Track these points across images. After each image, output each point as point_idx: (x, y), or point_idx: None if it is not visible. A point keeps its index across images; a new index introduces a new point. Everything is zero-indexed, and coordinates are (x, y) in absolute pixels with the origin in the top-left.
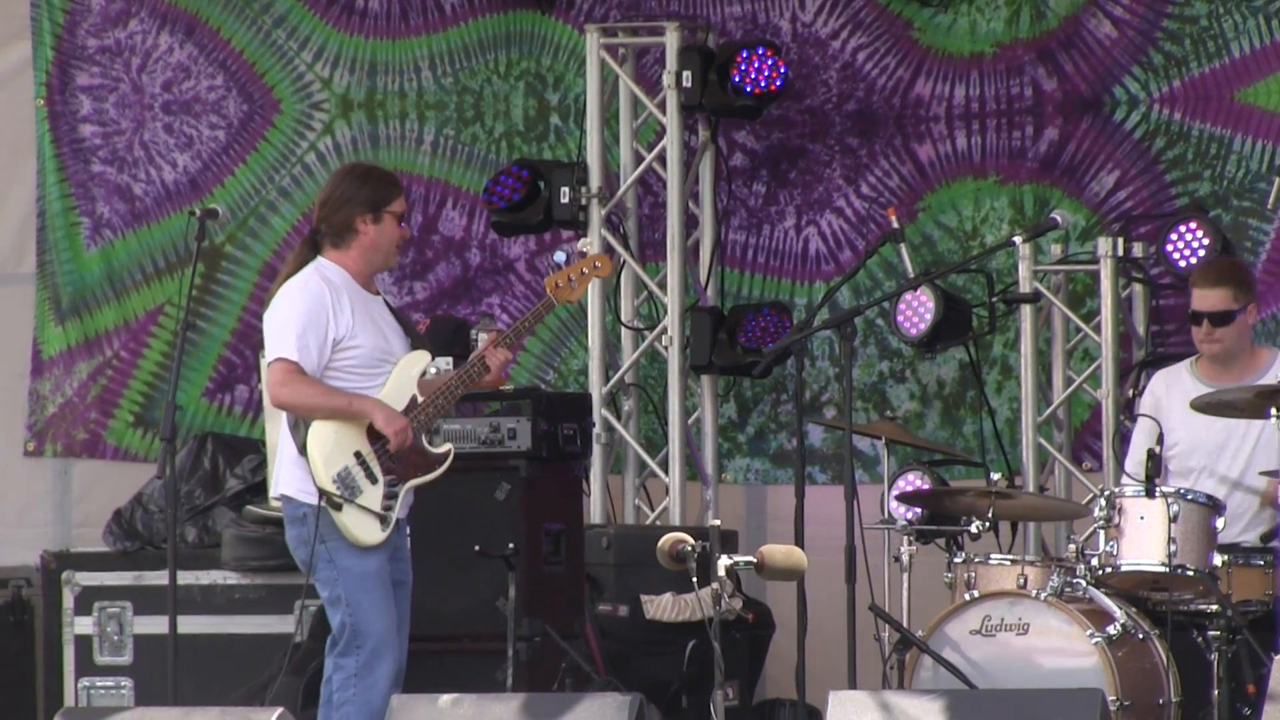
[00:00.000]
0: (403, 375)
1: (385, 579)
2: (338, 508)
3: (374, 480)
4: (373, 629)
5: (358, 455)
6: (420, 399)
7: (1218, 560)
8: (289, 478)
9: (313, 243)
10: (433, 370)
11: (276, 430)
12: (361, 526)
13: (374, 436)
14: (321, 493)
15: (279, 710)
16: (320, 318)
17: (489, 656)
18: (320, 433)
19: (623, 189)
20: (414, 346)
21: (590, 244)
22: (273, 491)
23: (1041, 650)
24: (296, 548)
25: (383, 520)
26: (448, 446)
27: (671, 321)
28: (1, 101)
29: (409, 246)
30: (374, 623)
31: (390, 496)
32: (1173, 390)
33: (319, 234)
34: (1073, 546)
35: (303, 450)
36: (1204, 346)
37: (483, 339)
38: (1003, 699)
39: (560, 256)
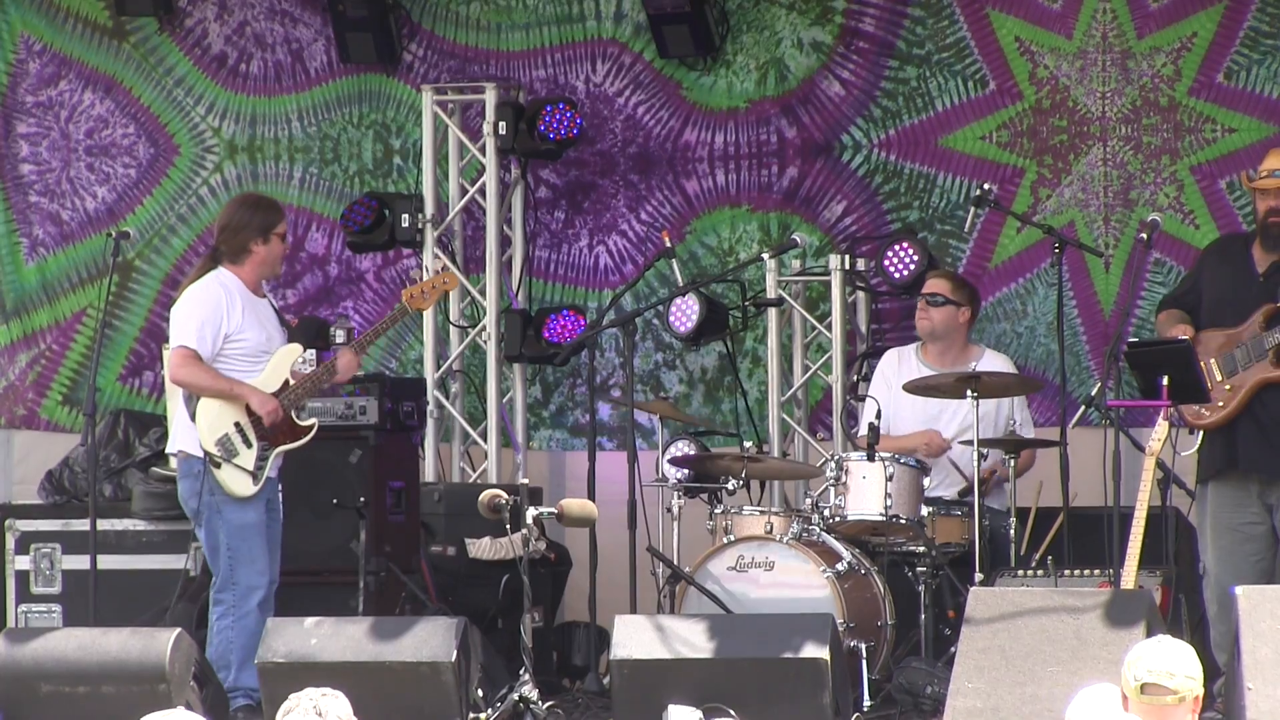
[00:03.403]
0: (279, 363)
1: (262, 530)
2: (217, 465)
3: (249, 445)
4: (247, 572)
5: (237, 425)
6: (292, 383)
7: (925, 511)
8: (184, 437)
9: (214, 257)
10: (301, 361)
11: (176, 399)
12: (236, 481)
13: (251, 410)
14: (205, 453)
15: (177, 630)
16: (215, 316)
17: (344, 588)
18: (207, 405)
19: (451, 215)
20: (290, 340)
21: (429, 269)
22: (169, 447)
23: (784, 583)
24: (188, 499)
25: (254, 477)
26: (312, 421)
27: (489, 321)
28: None
29: (288, 257)
30: (248, 567)
31: (262, 459)
32: (902, 367)
33: (219, 251)
34: (809, 500)
35: (194, 418)
36: (919, 323)
37: (340, 335)
38: (753, 622)
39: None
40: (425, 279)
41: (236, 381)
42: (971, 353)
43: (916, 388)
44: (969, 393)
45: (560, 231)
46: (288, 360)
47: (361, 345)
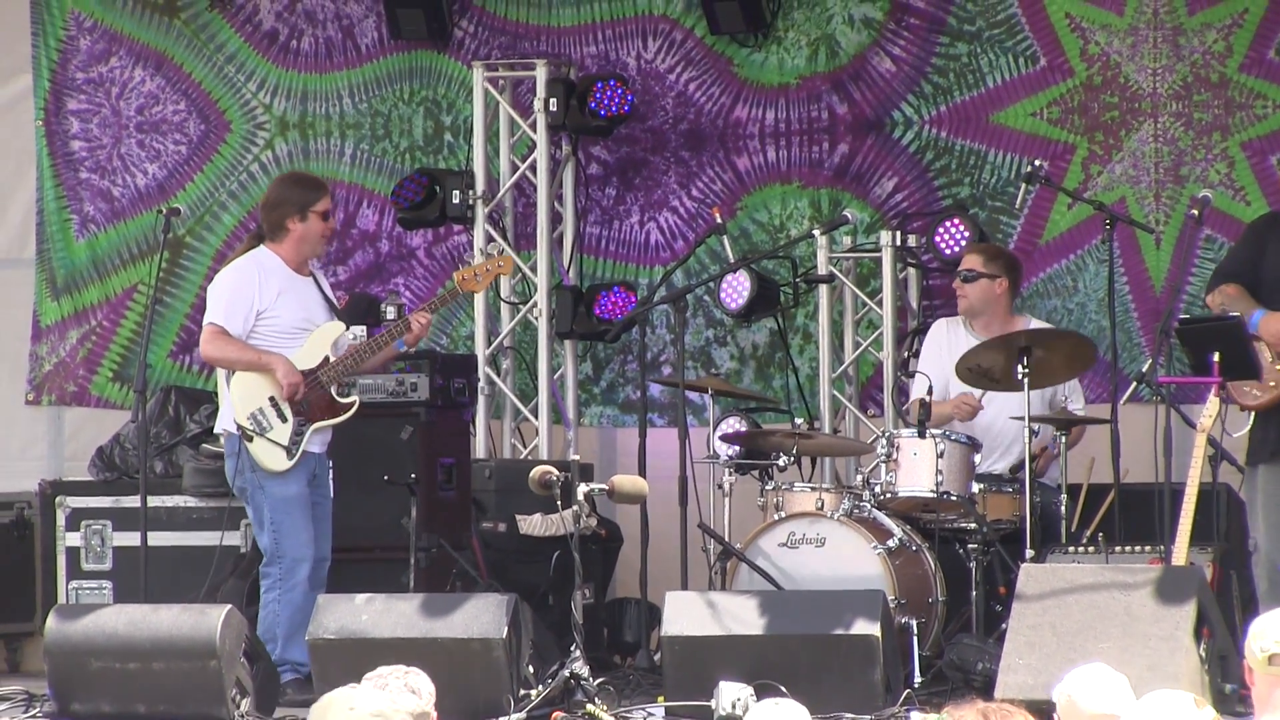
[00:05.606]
0: (318, 340)
1: (305, 503)
2: (250, 439)
3: (284, 419)
4: (291, 544)
5: (271, 399)
6: (332, 359)
7: (975, 488)
8: (227, 416)
9: (258, 235)
10: (349, 337)
11: (222, 377)
12: (269, 456)
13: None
14: (238, 427)
15: (228, 607)
16: (246, 292)
17: (395, 564)
18: (242, 380)
19: (501, 192)
20: (340, 319)
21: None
22: (216, 426)
23: (835, 559)
24: (232, 477)
25: (288, 452)
26: (354, 398)
27: (541, 297)
28: (9, 122)
29: (334, 237)
30: (292, 539)
31: (298, 434)
32: (951, 336)
33: (261, 229)
34: (860, 476)
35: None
36: (958, 301)
37: (391, 311)
38: (804, 598)
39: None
40: (479, 261)
41: (264, 351)
42: (1017, 324)
43: (967, 370)
44: (1019, 369)
45: (611, 208)
46: (328, 337)
47: (432, 307)
